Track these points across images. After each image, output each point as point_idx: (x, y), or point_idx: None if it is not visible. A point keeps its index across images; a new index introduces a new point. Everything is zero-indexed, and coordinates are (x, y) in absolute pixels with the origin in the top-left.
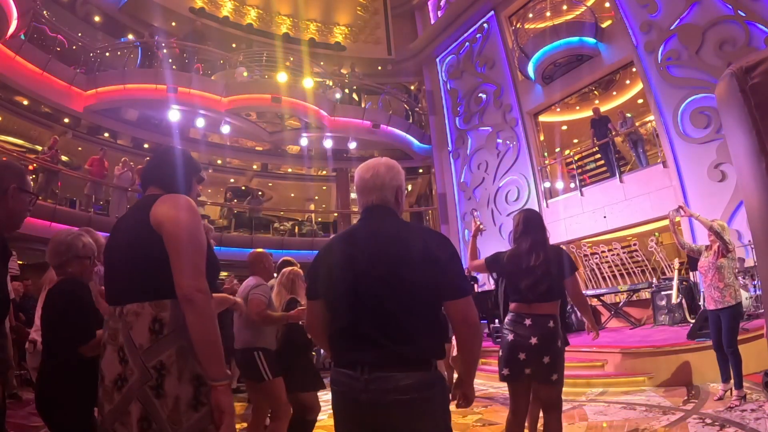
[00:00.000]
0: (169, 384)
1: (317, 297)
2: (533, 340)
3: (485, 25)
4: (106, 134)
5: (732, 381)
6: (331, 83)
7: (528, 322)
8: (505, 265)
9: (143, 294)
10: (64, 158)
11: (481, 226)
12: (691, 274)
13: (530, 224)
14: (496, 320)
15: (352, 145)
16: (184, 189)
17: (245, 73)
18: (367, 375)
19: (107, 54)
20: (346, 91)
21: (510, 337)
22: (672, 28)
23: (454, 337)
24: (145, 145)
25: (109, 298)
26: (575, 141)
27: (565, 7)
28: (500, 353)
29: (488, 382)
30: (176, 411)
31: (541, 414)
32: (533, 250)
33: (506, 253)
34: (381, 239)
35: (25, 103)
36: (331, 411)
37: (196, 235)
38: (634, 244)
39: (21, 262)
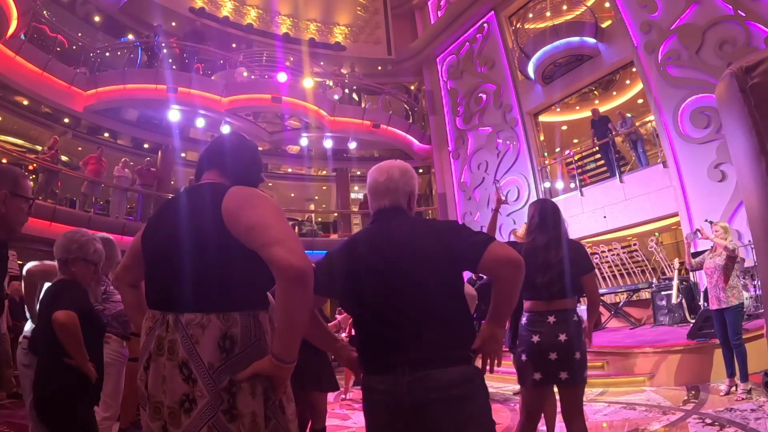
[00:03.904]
0: (242, 401)
1: (319, 293)
2: (562, 337)
3: (485, 25)
4: (106, 134)
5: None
6: (331, 83)
7: (552, 319)
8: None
9: (209, 303)
10: (64, 158)
11: (503, 199)
12: (691, 274)
13: (548, 217)
14: None
15: (352, 145)
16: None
17: (245, 73)
18: (409, 376)
19: (107, 54)
20: (346, 91)
21: (535, 338)
22: (672, 28)
23: None
24: (145, 145)
25: (157, 301)
26: (575, 141)
27: (565, 7)
28: (522, 358)
29: (489, 382)
30: (255, 428)
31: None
32: (551, 245)
33: (522, 245)
34: (402, 239)
35: (25, 103)
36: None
37: (285, 218)
38: (634, 244)
39: (21, 262)
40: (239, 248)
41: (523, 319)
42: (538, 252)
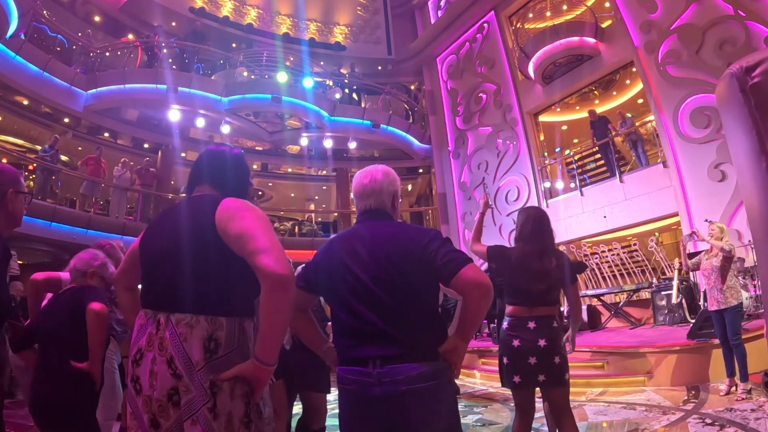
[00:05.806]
0: (221, 401)
1: (308, 291)
2: (542, 342)
3: (485, 25)
4: (106, 134)
5: (737, 375)
6: (331, 83)
7: (532, 324)
8: (512, 264)
9: (199, 305)
10: (64, 158)
11: (490, 204)
12: (691, 274)
13: (542, 225)
14: (495, 320)
15: (352, 145)
16: (243, 197)
17: (245, 73)
18: (379, 369)
19: (107, 54)
20: (346, 91)
21: (515, 342)
22: (672, 28)
23: None
24: (145, 145)
25: (152, 301)
26: (575, 141)
27: (565, 7)
28: (504, 361)
29: (488, 382)
30: (230, 429)
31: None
32: (546, 253)
33: (512, 250)
34: (379, 239)
35: (25, 103)
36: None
37: (271, 228)
38: (634, 244)
39: (21, 262)
40: (231, 258)
41: (505, 324)
42: (532, 260)
